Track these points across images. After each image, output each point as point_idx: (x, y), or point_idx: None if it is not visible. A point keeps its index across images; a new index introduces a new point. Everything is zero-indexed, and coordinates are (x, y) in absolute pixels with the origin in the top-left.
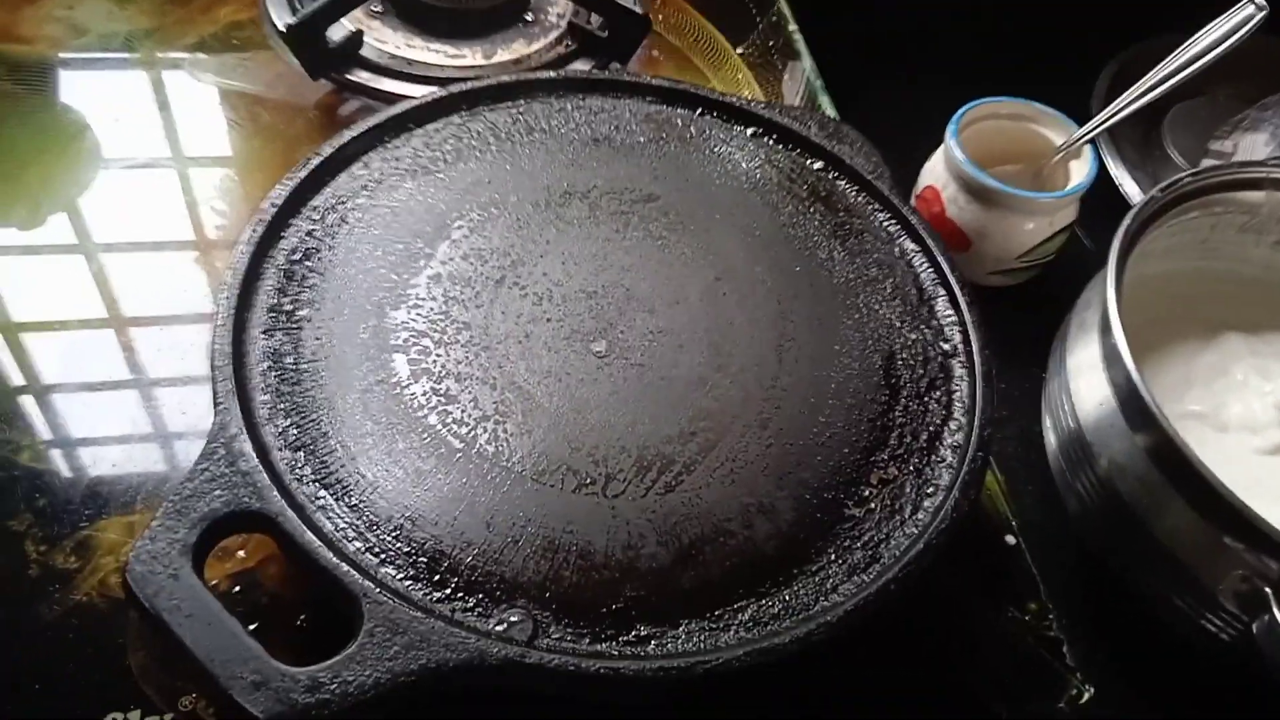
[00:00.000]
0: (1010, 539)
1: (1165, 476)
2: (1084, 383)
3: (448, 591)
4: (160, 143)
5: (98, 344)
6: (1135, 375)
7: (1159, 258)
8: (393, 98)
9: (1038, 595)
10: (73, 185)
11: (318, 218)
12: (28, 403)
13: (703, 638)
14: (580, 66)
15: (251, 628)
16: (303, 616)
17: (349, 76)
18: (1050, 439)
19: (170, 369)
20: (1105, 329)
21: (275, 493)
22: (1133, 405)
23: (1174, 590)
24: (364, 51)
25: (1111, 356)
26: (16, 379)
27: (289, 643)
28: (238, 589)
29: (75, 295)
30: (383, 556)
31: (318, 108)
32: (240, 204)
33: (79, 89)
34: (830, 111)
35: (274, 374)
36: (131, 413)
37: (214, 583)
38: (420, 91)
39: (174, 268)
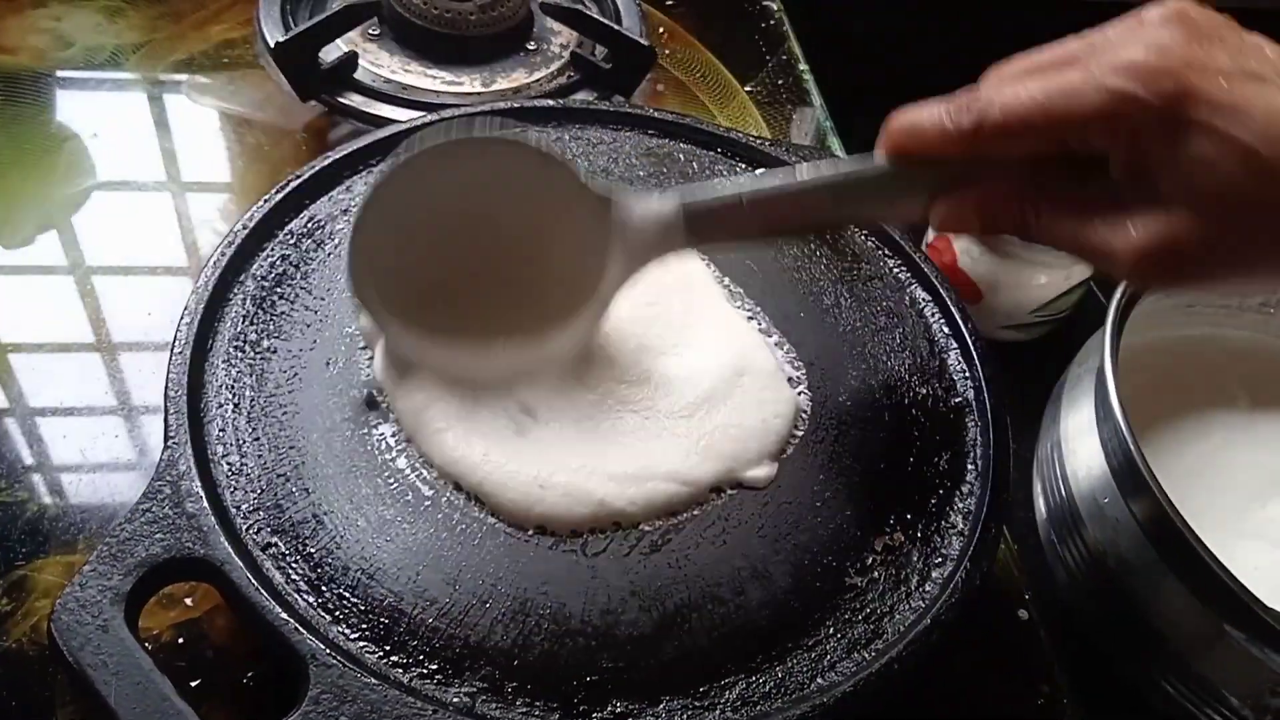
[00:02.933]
0: (1023, 613)
1: (1159, 553)
2: (1077, 446)
3: (405, 656)
4: (147, 162)
5: (59, 367)
6: (1130, 439)
7: (1160, 321)
8: (384, 122)
9: (1050, 676)
10: (53, 199)
11: (293, 242)
12: None
13: (685, 717)
14: (582, 97)
15: (194, 684)
16: (250, 674)
17: (340, 99)
18: (1040, 505)
19: (134, 397)
20: (1101, 390)
21: (222, 538)
22: (1126, 471)
23: (1167, 677)
24: (358, 75)
25: (1105, 418)
26: None
27: (231, 703)
28: (181, 639)
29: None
30: (336, 614)
31: (307, 130)
32: (217, 225)
33: (64, 102)
34: (840, 153)
35: (232, 408)
36: (86, 443)
37: (155, 632)
38: (414, 117)
39: (152, 289)
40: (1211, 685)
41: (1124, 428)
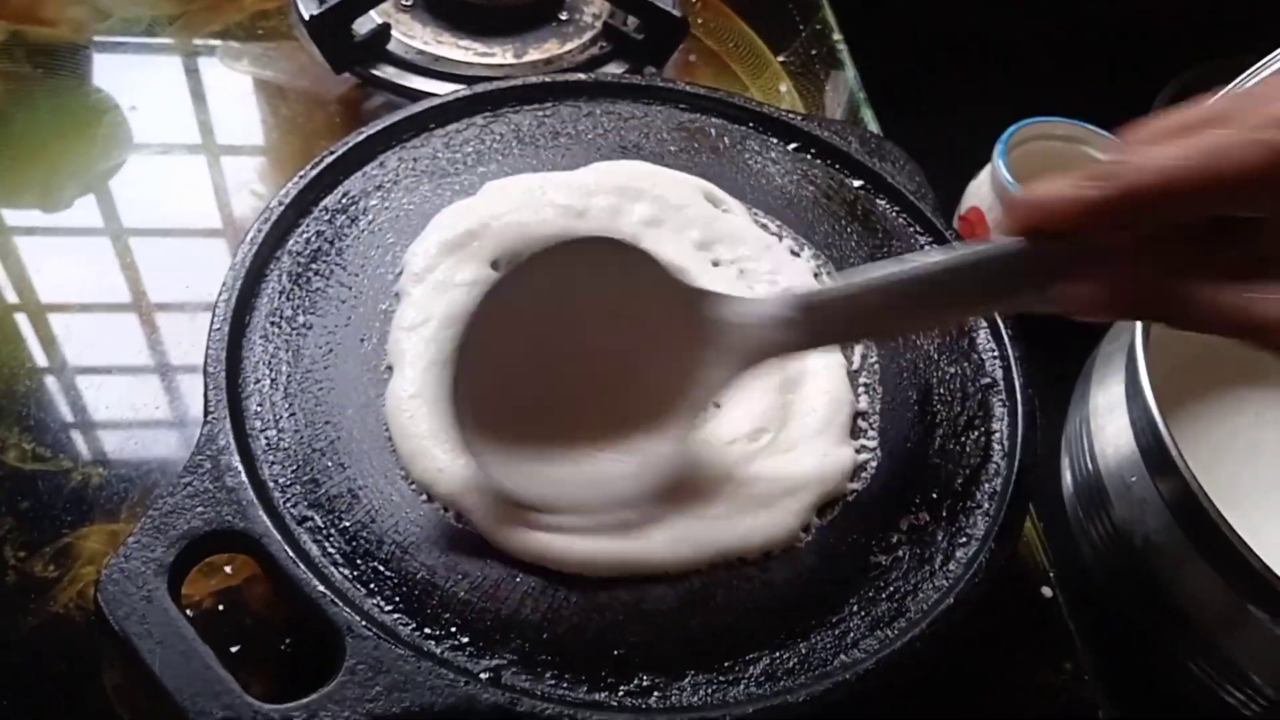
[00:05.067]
0: (1047, 590)
1: (1185, 533)
2: (1106, 423)
3: (438, 628)
4: (183, 129)
5: (99, 328)
6: (1158, 418)
7: None
8: (417, 95)
9: (1073, 654)
10: (92, 165)
11: (327, 218)
12: (22, 391)
13: (710, 691)
14: (614, 69)
15: (233, 650)
16: (287, 640)
17: (374, 71)
18: (1067, 480)
19: (172, 356)
20: (1131, 367)
21: (260, 511)
22: (1154, 450)
23: (1191, 657)
24: (390, 46)
25: (1135, 396)
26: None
27: (270, 668)
28: (221, 607)
29: (87, 277)
30: (371, 586)
31: (340, 102)
32: (255, 186)
33: (102, 72)
34: (873, 126)
35: (269, 383)
36: (126, 402)
37: (196, 599)
38: (446, 89)
39: (193, 253)
40: (1236, 665)
41: (1153, 407)
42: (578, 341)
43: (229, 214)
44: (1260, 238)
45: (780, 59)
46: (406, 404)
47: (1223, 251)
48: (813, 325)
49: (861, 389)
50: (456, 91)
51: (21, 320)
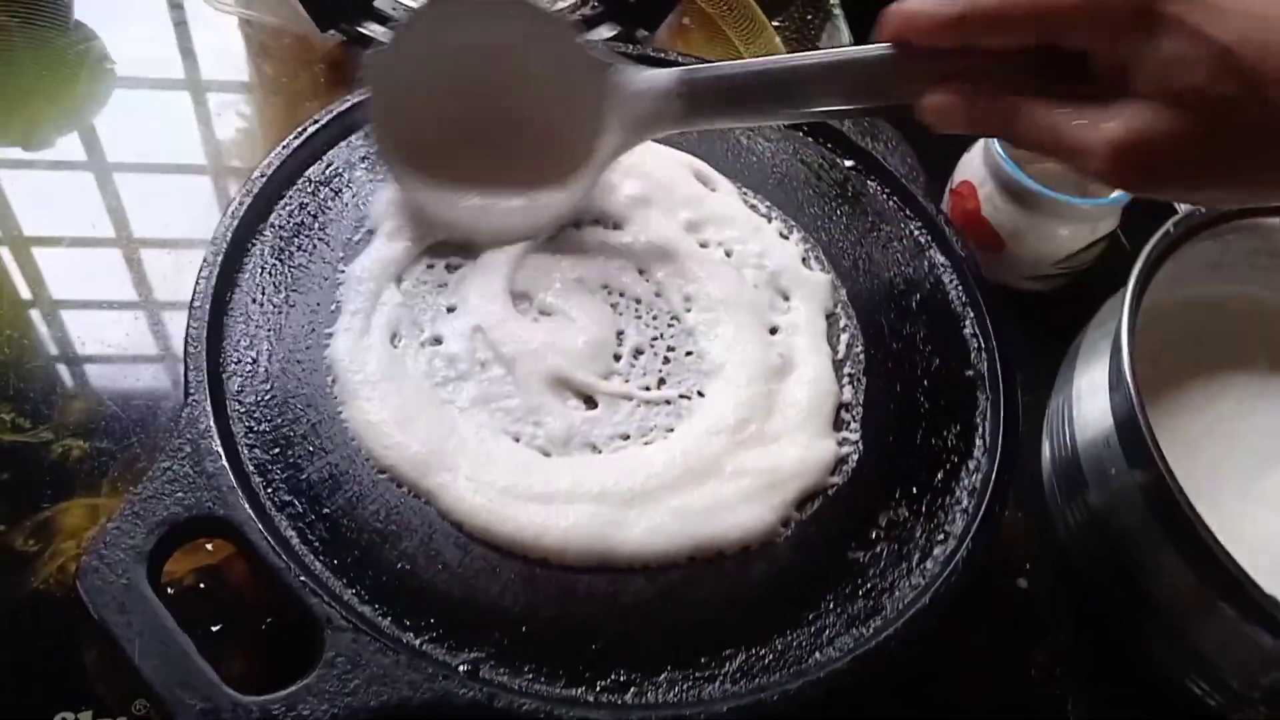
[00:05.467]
0: (1022, 582)
1: (1160, 525)
2: (1087, 406)
3: (417, 619)
4: (167, 63)
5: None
6: (1138, 406)
7: (1184, 280)
8: None
9: (1045, 645)
10: (75, 98)
11: (310, 190)
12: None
13: (686, 687)
14: (605, 31)
15: (214, 629)
16: (268, 619)
17: (360, 29)
18: (1046, 458)
19: (157, 294)
20: (1116, 354)
21: (240, 498)
22: (1132, 439)
23: (1160, 645)
24: (378, 3)
25: (1118, 383)
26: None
27: (251, 646)
28: (202, 584)
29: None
30: (351, 575)
31: (325, 61)
32: (235, 120)
33: (86, 7)
34: None
35: (250, 363)
36: (110, 338)
37: (178, 576)
38: None
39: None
40: (1204, 657)
41: (1134, 395)
42: (489, 91)
43: (214, 149)
44: (1087, 71)
45: (775, 23)
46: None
47: (1056, 79)
48: (694, 99)
49: (846, 379)
50: None
51: (5, 254)
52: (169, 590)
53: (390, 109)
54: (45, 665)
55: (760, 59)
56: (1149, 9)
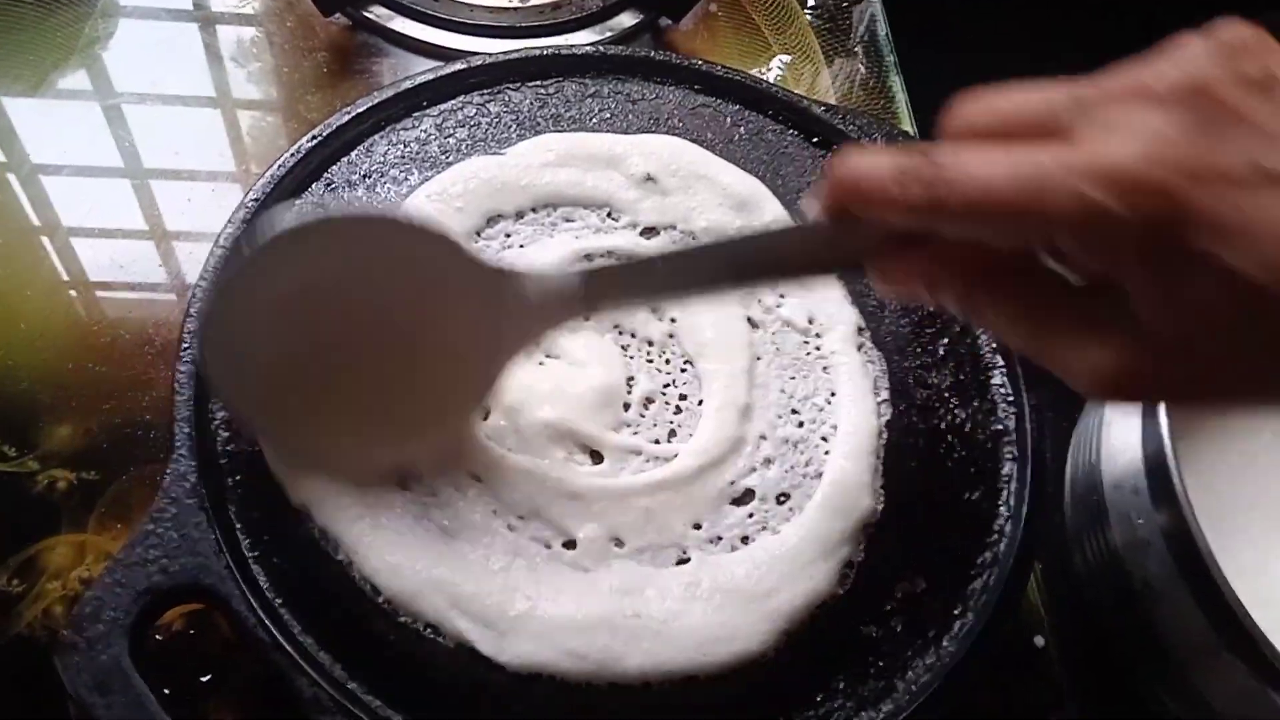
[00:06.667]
0: (1039, 640)
1: (1177, 566)
2: (1115, 435)
3: (408, 696)
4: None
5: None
6: (1168, 445)
7: None
8: (410, 42)
9: (1061, 706)
10: (82, 27)
11: None
12: None
13: None
14: (626, 19)
15: (203, 680)
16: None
17: (365, 14)
18: (1067, 481)
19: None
20: None
21: (227, 561)
22: (1159, 475)
23: (1165, 686)
24: None
25: (1149, 413)
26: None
27: (240, 695)
28: (192, 630)
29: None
30: (338, 649)
31: (328, 48)
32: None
33: None
34: (900, 93)
35: None
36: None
37: (166, 622)
38: (442, 37)
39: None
40: (1208, 704)
41: (1164, 432)
42: (359, 321)
43: (222, 84)
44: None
45: (808, 11)
46: None
47: (1025, 274)
48: (592, 296)
49: None
50: (445, 67)
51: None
52: (157, 636)
53: (233, 356)
54: (30, 716)
55: (669, 250)
56: (1169, 239)
